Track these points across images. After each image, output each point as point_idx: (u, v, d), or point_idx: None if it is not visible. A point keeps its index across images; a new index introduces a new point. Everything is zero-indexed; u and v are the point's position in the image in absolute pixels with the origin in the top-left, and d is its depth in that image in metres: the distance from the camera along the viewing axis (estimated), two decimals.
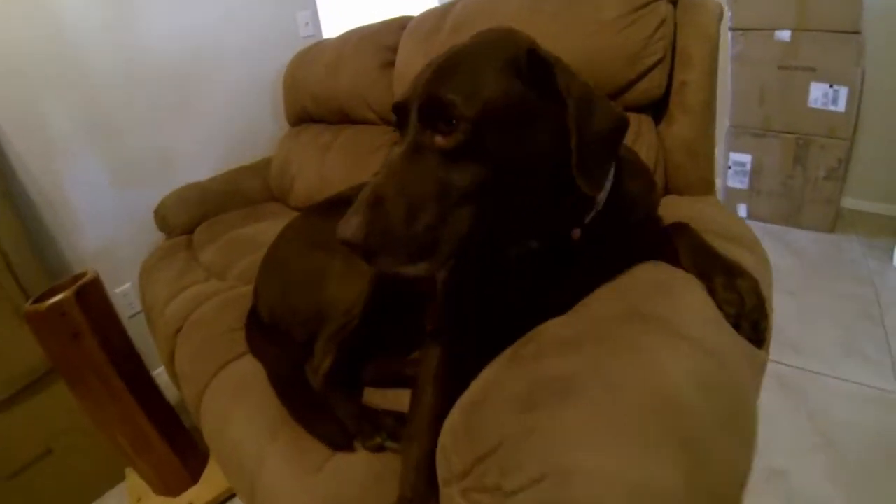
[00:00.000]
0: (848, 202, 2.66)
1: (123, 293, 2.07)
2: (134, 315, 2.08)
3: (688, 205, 1.20)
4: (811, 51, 2.39)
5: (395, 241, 0.59)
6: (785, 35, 2.40)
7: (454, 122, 0.61)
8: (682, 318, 0.66)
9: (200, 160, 2.28)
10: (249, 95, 2.43)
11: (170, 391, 1.61)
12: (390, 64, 1.72)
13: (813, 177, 2.54)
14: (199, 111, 2.25)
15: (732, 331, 0.67)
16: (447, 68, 0.65)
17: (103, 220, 2.00)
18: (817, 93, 2.43)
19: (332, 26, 2.70)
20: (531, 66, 0.65)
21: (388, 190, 0.60)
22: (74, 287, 1.33)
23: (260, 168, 2.30)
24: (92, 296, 1.37)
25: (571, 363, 0.60)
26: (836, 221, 2.61)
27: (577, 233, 0.75)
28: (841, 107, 2.39)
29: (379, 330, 0.98)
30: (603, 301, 0.74)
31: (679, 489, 0.47)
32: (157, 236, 2.11)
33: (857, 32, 2.29)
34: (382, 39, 1.76)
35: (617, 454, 0.48)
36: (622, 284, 0.77)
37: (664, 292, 0.71)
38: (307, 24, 2.58)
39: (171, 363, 1.37)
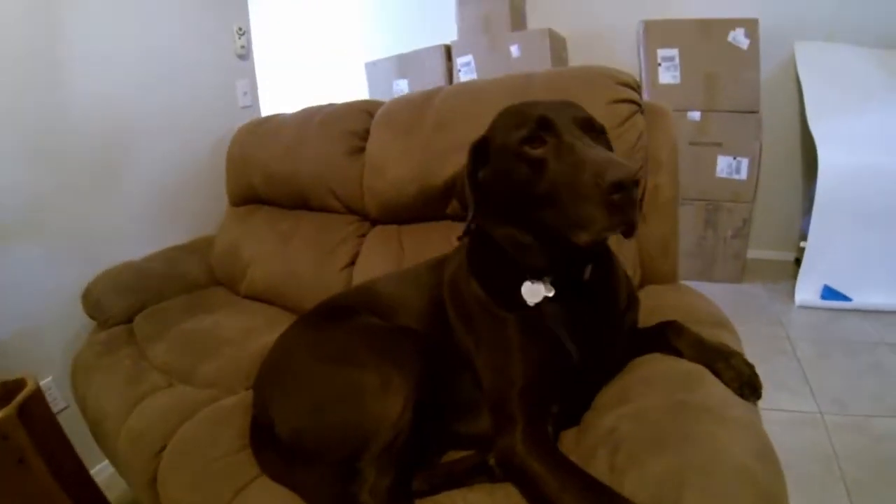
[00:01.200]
0: (751, 253, 2.96)
1: (45, 387, 1.79)
2: (59, 412, 1.76)
3: (669, 294, 1.28)
4: (718, 128, 2.67)
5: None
6: (696, 115, 2.66)
7: (600, 133, 0.86)
8: (717, 402, 0.80)
9: (127, 238, 2.02)
10: (183, 168, 2.22)
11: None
12: (358, 150, 1.65)
13: (722, 236, 2.80)
14: (126, 183, 2.02)
15: (742, 400, 0.83)
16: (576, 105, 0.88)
17: (18, 303, 1.71)
18: (723, 164, 2.70)
19: (267, 97, 2.62)
20: None
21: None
22: (15, 403, 1.13)
23: (199, 248, 2.11)
24: (35, 411, 1.19)
25: (666, 462, 0.69)
26: (743, 272, 2.88)
27: (588, 270, 0.90)
28: (743, 175, 2.68)
29: (422, 439, 0.93)
30: (648, 393, 0.87)
31: None
32: (80, 322, 1.84)
33: (755, 112, 2.58)
34: (348, 124, 1.69)
35: None
36: (653, 376, 0.91)
37: (693, 382, 0.85)
38: (245, 93, 2.47)
39: (150, 488, 1.18)
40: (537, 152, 0.81)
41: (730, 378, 0.86)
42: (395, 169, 1.50)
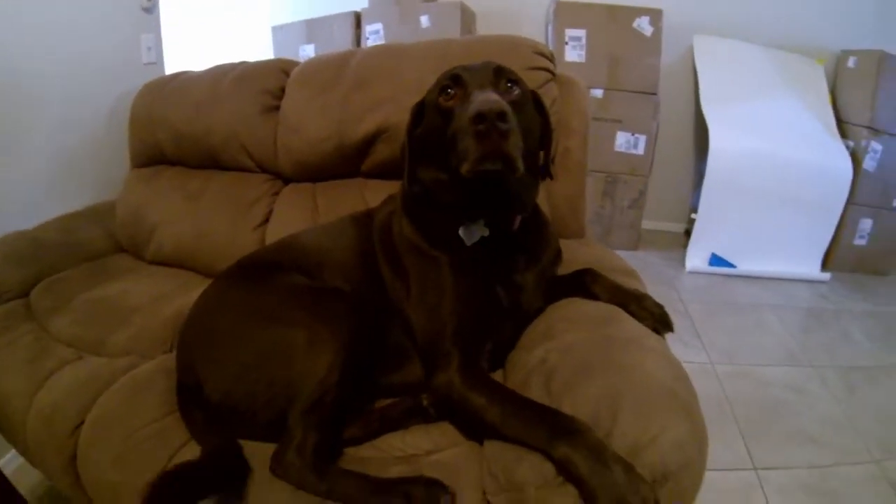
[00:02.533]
0: (645, 224, 3.13)
1: None
2: None
3: (581, 248, 1.33)
4: (619, 106, 2.78)
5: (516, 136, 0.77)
6: (599, 93, 2.75)
7: (516, 85, 0.89)
8: (637, 335, 0.86)
9: (18, 206, 1.76)
10: (81, 128, 1.98)
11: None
12: (272, 109, 1.56)
13: (619, 207, 2.94)
14: (16, 145, 1.76)
15: (655, 334, 0.90)
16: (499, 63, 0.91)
17: None
18: (622, 140, 2.82)
19: (172, 55, 2.40)
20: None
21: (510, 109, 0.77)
22: None
23: (99, 214, 1.89)
24: None
25: (600, 385, 0.75)
26: (638, 241, 3.03)
27: (517, 220, 0.96)
28: (641, 150, 2.82)
29: (353, 394, 0.89)
30: (571, 330, 0.91)
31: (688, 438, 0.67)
32: None
33: (654, 94, 2.71)
34: (263, 83, 1.58)
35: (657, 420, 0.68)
36: (575, 316, 0.96)
37: (614, 321, 0.91)
38: (150, 48, 2.24)
39: (69, 470, 1.04)
40: (448, 104, 0.86)
41: (644, 317, 0.93)
42: (311, 126, 1.44)
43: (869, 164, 2.72)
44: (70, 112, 1.95)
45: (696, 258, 2.79)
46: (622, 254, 2.92)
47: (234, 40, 3.24)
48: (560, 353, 0.85)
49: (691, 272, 2.78)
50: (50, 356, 1.27)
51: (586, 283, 1.03)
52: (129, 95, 1.94)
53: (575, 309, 0.99)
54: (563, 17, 2.75)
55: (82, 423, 1.05)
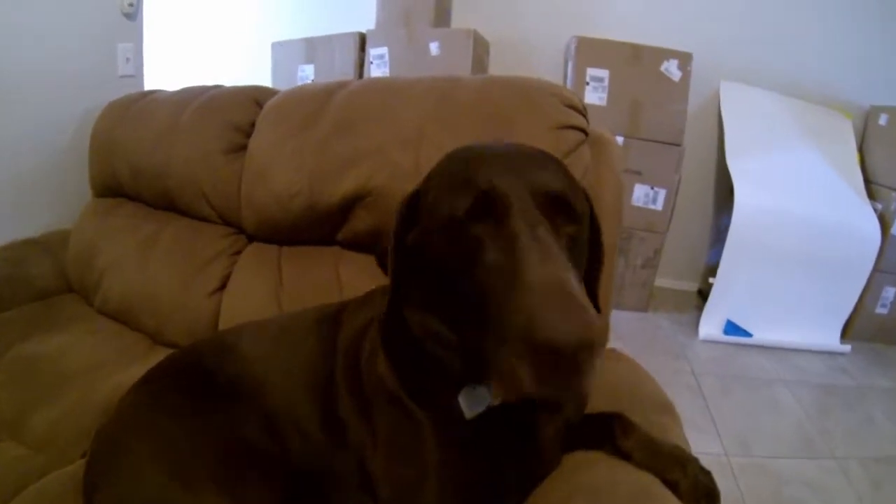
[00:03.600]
0: (657, 281, 2.79)
1: None
2: None
3: (607, 365, 0.97)
4: (639, 156, 2.45)
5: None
6: (618, 140, 2.43)
7: (576, 219, 0.57)
8: None
9: None
10: (41, 142, 1.69)
11: None
12: (238, 149, 1.23)
13: (632, 265, 2.61)
14: None
15: None
16: (553, 171, 0.60)
17: None
18: (640, 193, 2.50)
19: (153, 70, 2.10)
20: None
21: (577, 280, 0.49)
22: None
23: (52, 245, 1.59)
24: None
25: None
26: (649, 301, 2.71)
27: None
28: (659, 206, 2.50)
29: None
30: None
31: None
32: None
33: (678, 145, 2.40)
34: (230, 115, 1.26)
35: None
36: (600, 488, 0.69)
37: (650, 501, 0.66)
38: (128, 60, 1.94)
39: None
40: (472, 232, 0.54)
41: (686, 490, 0.68)
42: (280, 176, 1.10)
43: None
44: (30, 125, 1.66)
45: (710, 325, 2.45)
46: (632, 316, 2.67)
47: (231, 55, 2.96)
48: None
49: (704, 340, 2.45)
50: None
51: (615, 436, 0.75)
52: (99, 111, 1.63)
53: (599, 476, 0.71)
54: (584, 54, 2.43)
55: None
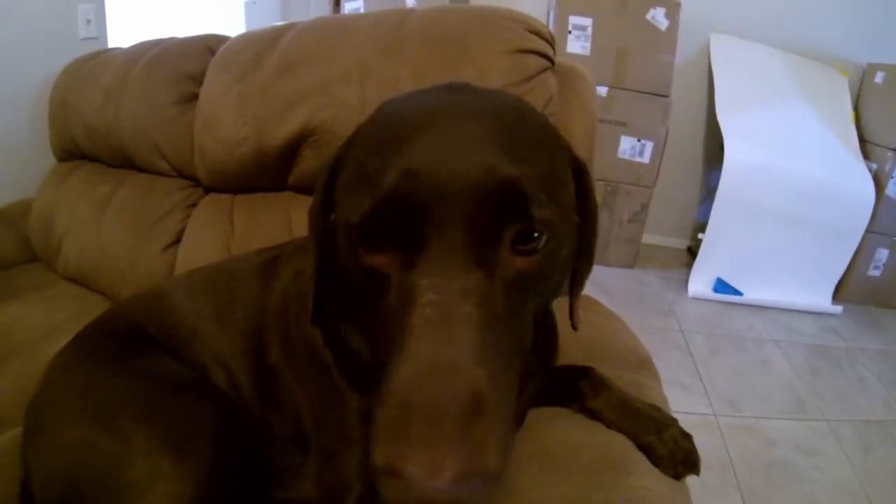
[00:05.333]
0: (645, 238, 2.68)
1: None
2: None
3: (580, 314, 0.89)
4: (624, 107, 2.31)
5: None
6: (603, 91, 2.30)
7: (536, 234, 0.35)
8: None
9: None
10: (2, 111, 1.59)
11: None
12: (191, 99, 1.14)
13: (618, 220, 2.50)
14: None
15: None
16: (509, 141, 0.36)
17: None
18: (626, 145, 2.37)
19: (119, 33, 1.97)
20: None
21: (485, 382, 0.30)
22: None
23: (12, 215, 1.51)
24: None
25: None
26: (636, 258, 2.61)
27: None
28: (646, 158, 2.37)
29: None
30: (548, 484, 0.55)
31: None
32: None
33: (665, 95, 2.27)
34: (182, 65, 1.16)
35: None
36: (559, 453, 0.60)
37: (619, 470, 0.57)
38: (89, 21, 1.80)
39: None
40: (371, 261, 0.37)
41: (663, 456, 0.59)
42: (226, 123, 1.01)
43: (892, 189, 2.27)
44: None
45: (699, 283, 2.35)
46: (619, 272, 2.51)
47: (203, 16, 2.81)
48: None
49: (694, 298, 2.34)
50: None
51: (584, 394, 0.66)
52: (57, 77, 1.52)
53: (561, 438, 0.62)
54: (567, 1, 2.27)
55: None
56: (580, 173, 0.45)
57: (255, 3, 2.65)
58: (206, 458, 0.60)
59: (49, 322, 1.17)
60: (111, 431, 0.61)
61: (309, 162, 0.95)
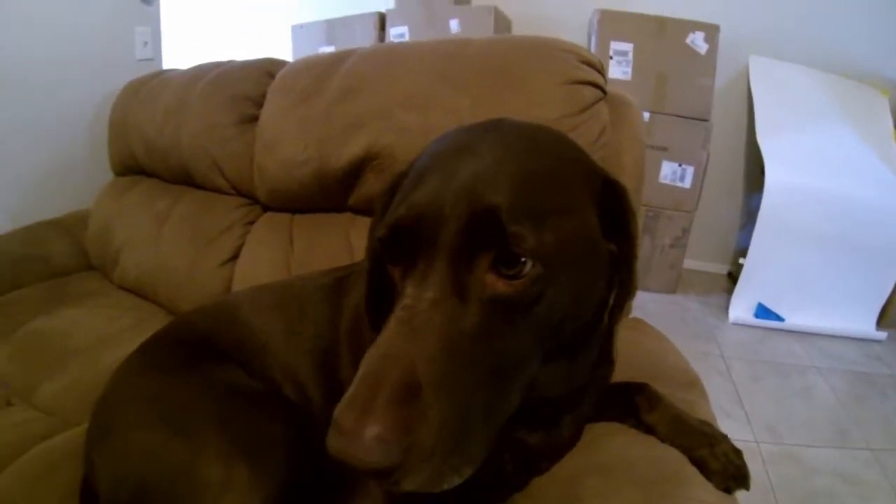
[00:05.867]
0: (685, 263, 2.68)
1: None
2: None
3: (630, 335, 0.91)
4: (665, 132, 2.35)
5: (438, 447, 0.35)
6: (644, 116, 2.33)
7: (523, 259, 0.39)
8: None
9: None
10: (60, 125, 1.71)
11: None
12: (251, 120, 1.21)
13: (660, 245, 2.51)
14: None
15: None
16: (502, 174, 0.41)
17: None
18: (667, 170, 2.40)
19: (173, 54, 2.09)
20: (605, 187, 0.47)
21: (426, 368, 0.36)
22: None
23: (71, 225, 1.60)
24: None
25: None
26: (677, 283, 2.61)
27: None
28: (687, 183, 2.39)
29: None
30: (608, 497, 0.57)
31: None
32: None
33: (705, 120, 2.29)
34: (242, 87, 1.24)
35: None
36: (617, 466, 0.62)
37: (675, 482, 0.59)
38: (146, 43, 1.94)
39: None
40: (390, 271, 0.45)
41: (715, 470, 0.62)
42: (288, 145, 1.07)
43: None
44: (50, 109, 1.67)
45: (740, 308, 2.34)
46: (660, 297, 2.54)
47: (251, 39, 2.95)
48: None
49: (735, 323, 2.33)
50: None
51: (639, 409, 0.69)
52: (116, 95, 1.64)
53: (618, 454, 0.65)
54: (607, 27, 2.34)
55: None
56: (617, 199, 0.47)
57: (302, 27, 2.78)
58: (279, 468, 0.62)
59: (107, 329, 1.24)
60: (185, 436, 0.64)
61: (371, 185, 1.00)
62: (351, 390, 0.36)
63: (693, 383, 0.82)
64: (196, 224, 1.29)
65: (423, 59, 0.98)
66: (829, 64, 2.50)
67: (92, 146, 1.77)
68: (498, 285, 0.39)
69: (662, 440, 0.66)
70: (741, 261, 2.32)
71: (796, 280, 2.28)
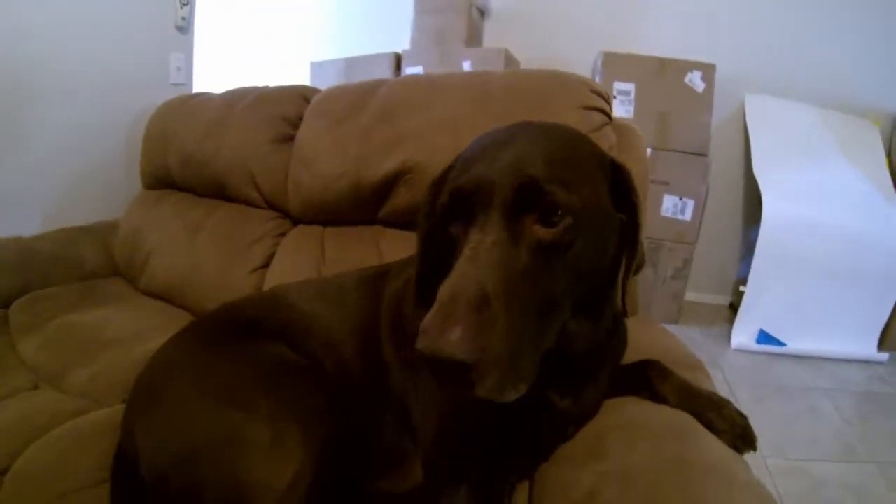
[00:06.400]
0: (687, 295, 2.79)
1: None
2: None
3: (638, 329, 0.98)
4: (666, 167, 2.50)
5: (503, 355, 0.45)
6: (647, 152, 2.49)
7: (559, 212, 0.51)
8: (721, 460, 0.64)
9: (18, 209, 1.68)
10: (97, 138, 1.86)
11: None
12: (287, 139, 1.35)
13: (662, 276, 2.63)
14: (26, 144, 1.66)
15: (741, 457, 0.68)
16: (536, 155, 0.54)
17: None
18: (669, 203, 2.54)
19: (201, 82, 2.26)
20: (613, 169, 0.60)
21: (493, 288, 0.46)
22: None
23: (102, 232, 1.72)
24: None
25: None
26: (679, 314, 2.71)
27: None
28: (688, 216, 2.53)
29: None
30: (632, 445, 0.67)
31: None
32: None
33: (704, 154, 2.45)
34: (281, 109, 1.38)
35: None
36: (637, 425, 0.72)
37: (688, 436, 0.68)
38: (179, 69, 2.11)
39: None
40: (451, 231, 0.57)
41: (723, 429, 0.70)
42: (325, 160, 1.20)
43: None
44: (88, 122, 1.83)
45: (742, 335, 2.44)
46: None
47: (272, 72, 3.13)
48: (618, 483, 0.61)
49: (737, 350, 2.43)
50: (5, 380, 1.12)
51: (652, 381, 0.79)
52: (149, 114, 1.78)
53: (636, 414, 0.74)
54: (611, 69, 2.53)
55: (7, 469, 0.85)
56: (623, 178, 0.60)
57: (320, 65, 2.96)
58: (325, 431, 0.68)
59: (137, 326, 1.31)
60: (234, 402, 0.70)
61: (402, 198, 1.13)
62: (435, 306, 0.46)
63: (697, 365, 0.92)
64: (229, 233, 1.41)
65: (454, 87, 1.12)
66: (821, 97, 2.68)
67: (123, 160, 1.92)
68: (540, 233, 0.51)
69: (674, 407, 0.75)
70: (742, 288, 2.44)
71: (796, 307, 2.39)
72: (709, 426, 0.70)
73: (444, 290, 0.47)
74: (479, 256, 0.49)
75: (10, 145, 1.62)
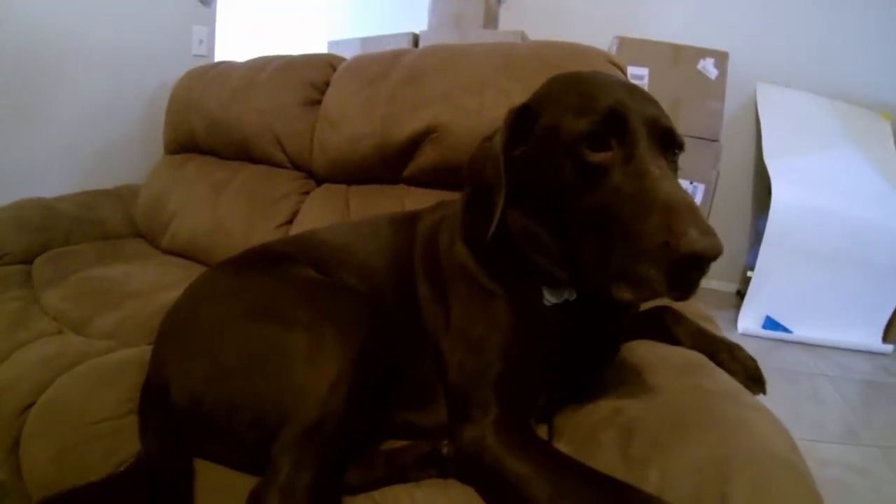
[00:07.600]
0: None
1: None
2: None
3: None
4: None
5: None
6: None
7: (677, 156, 0.67)
8: (736, 390, 0.71)
9: (45, 175, 1.79)
10: (119, 108, 1.98)
11: None
12: (314, 102, 1.46)
13: None
14: (50, 113, 1.77)
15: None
16: (654, 102, 0.68)
17: None
18: None
19: (224, 52, 2.36)
20: None
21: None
22: None
23: (123, 196, 1.83)
24: None
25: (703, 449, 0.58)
26: None
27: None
28: (698, 201, 2.63)
29: (360, 425, 0.70)
30: (652, 375, 0.75)
31: None
32: None
33: (716, 140, 2.55)
34: (307, 74, 1.49)
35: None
36: (655, 360, 0.79)
37: (703, 370, 0.75)
38: (201, 41, 2.21)
39: (11, 457, 0.87)
40: (598, 158, 0.61)
41: (735, 370, 0.78)
42: (352, 121, 1.31)
43: None
44: (111, 91, 1.94)
45: (749, 320, 2.56)
46: None
47: (291, 51, 3.24)
48: (642, 404, 0.69)
49: (743, 334, 2.55)
50: (29, 327, 1.15)
51: (666, 324, 0.87)
52: (172, 85, 1.90)
53: (653, 352, 0.82)
54: (625, 53, 2.63)
55: (33, 403, 0.89)
56: None
57: (337, 43, 3.05)
58: (363, 338, 0.71)
59: (160, 280, 1.39)
60: (269, 315, 0.73)
61: (428, 156, 1.23)
62: (692, 214, 0.53)
63: (710, 320, 1.02)
64: (254, 191, 1.51)
65: (480, 54, 1.24)
66: (833, 90, 2.79)
67: (146, 131, 2.04)
68: (671, 163, 0.64)
69: (688, 348, 0.82)
70: (749, 274, 2.54)
71: (803, 295, 2.50)
72: (721, 366, 0.78)
73: (676, 198, 0.55)
74: (669, 176, 0.59)
75: (35, 116, 1.73)
